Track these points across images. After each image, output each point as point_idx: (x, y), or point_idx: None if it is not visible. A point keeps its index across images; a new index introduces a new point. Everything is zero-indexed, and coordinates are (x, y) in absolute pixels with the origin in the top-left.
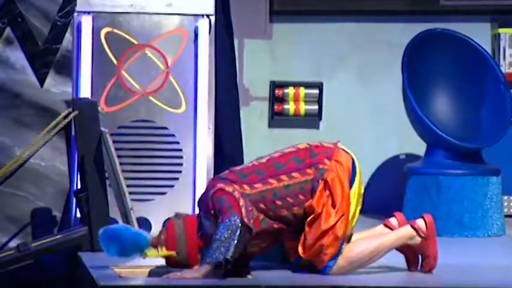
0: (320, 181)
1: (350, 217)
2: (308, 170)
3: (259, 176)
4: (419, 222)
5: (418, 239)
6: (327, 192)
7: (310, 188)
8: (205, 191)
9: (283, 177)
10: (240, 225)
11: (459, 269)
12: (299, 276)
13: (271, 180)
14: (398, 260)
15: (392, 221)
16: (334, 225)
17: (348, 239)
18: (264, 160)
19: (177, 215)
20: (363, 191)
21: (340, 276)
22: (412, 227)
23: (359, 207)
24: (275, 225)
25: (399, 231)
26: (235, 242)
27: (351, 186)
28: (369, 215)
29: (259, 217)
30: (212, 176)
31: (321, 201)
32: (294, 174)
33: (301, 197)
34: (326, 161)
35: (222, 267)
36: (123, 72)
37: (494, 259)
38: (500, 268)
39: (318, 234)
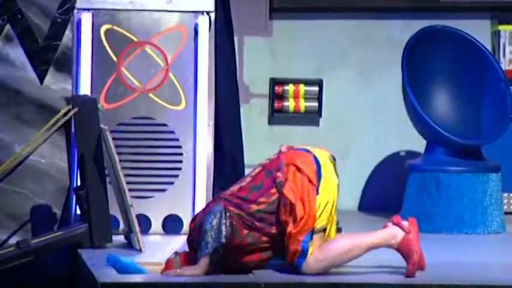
0: (281, 196)
1: (321, 211)
2: (272, 191)
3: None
4: (402, 221)
5: (399, 238)
6: (288, 204)
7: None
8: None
9: (253, 205)
10: (223, 210)
11: (459, 266)
12: (298, 274)
13: (244, 207)
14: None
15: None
16: (297, 230)
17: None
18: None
19: (175, 253)
20: (337, 181)
21: (339, 274)
22: (395, 224)
23: (333, 199)
24: (263, 238)
25: (381, 231)
26: (225, 224)
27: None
28: (368, 212)
29: (244, 231)
30: (212, 173)
31: (285, 214)
32: (261, 199)
33: (274, 217)
34: (279, 174)
35: (219, 253)
36: (123, 69)
37: (494, 256)
38: (500, 265)
39: (287, 241)
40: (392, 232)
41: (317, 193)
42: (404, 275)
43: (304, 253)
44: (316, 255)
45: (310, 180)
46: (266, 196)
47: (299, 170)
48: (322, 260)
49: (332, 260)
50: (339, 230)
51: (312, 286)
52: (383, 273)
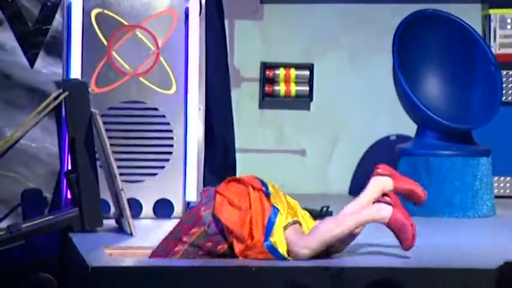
0: (211, 224)
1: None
2: (193, 230)
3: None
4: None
5: (386, 214)
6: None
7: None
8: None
9: (186, 238)
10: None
11: (449, 250)
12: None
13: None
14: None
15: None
16: (245, 247)
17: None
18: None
19: None
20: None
21: (331, 258)
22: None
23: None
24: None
25: (367, 208)
26: None
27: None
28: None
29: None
30: (203, 158)
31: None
32: (192, 231)
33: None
34: (203, 208)
35: None
36: (114, 53)
37: (484, 240)
38: (490, 248)
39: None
40: (379, 208)
41: (268, 195)
42: (401, 247)
43: (274, 250)
44: (304, 240)
45: (253, 188)
46: (198, 226)
47: (226, 189)
48: (312, 242)
49: (322, 238)
50: (329, 214)
51: (303, 270)
52: (375, 256)
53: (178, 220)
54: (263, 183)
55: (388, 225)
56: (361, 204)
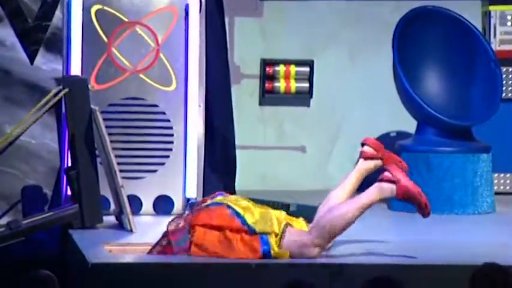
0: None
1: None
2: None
3: None
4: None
5: (389, 193)
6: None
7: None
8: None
9: None
10: None
11: (449, 246)
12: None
13: None
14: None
15: (367, 149)
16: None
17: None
18: None
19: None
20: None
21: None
22: (381, 180)
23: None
24: None
25: (371, 189)
26: None
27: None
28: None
29: None
30: (203, 154)
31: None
32: None
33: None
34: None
35: None
36: (114, 50)
37: (484, 236)
38: (490, 245)
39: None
40: (381, 187)
41: (252, 231)
42: (423, 217)
43: (267, 250)
44: (312, 236)
45: (231, 230)
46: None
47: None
48: (322, 236)
49: (331, 230)
50: None
51: (302, 267)
52: (374, 253)
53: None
54: (237, 215)
55: (398, 199)
56: (345, 190)
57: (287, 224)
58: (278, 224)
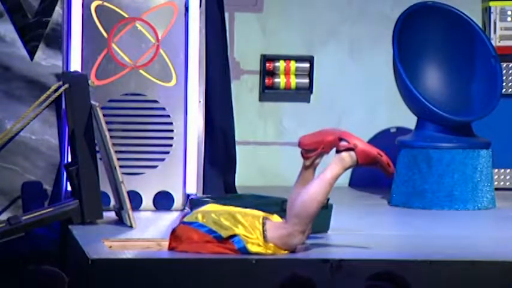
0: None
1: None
2: None
3: None
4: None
5: (350, 160)
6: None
7: None
8: None
9: None
10: None
11: (449, 242)
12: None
13: None
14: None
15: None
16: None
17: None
18: None
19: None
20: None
21: (329, 250)
22: (339, 151)
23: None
24: None
25: (332, 163)
26: None
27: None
28: (359, 188)
29: None
30: (203, 150)
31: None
32: None
33: None
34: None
35: None
36: (114, 46)
37: (484, 232)
38: (490, 240)
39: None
40: (340, 157)
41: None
42: (387, 177)
43: (242, 247)
44: (291, 224)
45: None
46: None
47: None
48: (298, 225)
49: (306, 213)
50: (329, 206)
51: (302, 262)
52: (374, 248)
53: (178, 212)
54: (200, 226)
55: (360, 166)
56: (325, 180)
57: (264, 218)
58: (253, 220)
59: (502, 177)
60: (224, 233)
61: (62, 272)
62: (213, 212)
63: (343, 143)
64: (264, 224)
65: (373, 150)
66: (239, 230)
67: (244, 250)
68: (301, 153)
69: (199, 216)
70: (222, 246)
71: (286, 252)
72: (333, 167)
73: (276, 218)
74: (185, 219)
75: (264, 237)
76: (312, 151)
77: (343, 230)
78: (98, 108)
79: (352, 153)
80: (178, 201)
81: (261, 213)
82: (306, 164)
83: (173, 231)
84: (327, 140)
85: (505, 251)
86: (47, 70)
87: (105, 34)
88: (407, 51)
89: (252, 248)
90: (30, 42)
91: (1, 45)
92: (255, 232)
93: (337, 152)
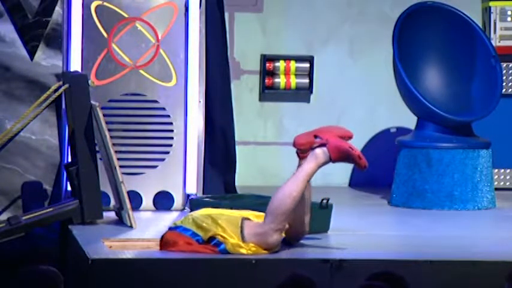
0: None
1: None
2: None
3: None
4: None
5: (323, 156)
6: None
7: None
8: None
9: None
10: None
11: (449, 242)
12: (290, 251)
13: None
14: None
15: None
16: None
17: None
18: None
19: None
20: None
21: (329, 250)
22: (311, 149)
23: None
24: None
25: (304, 163)
26: None
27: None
28: (359, 188)
29: None
30: (203, 150)
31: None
32: None
33: None
34: None
35: None
36: (114, 46)
37: (484, 232)
38: (490, 240)
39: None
40: (314, 154)
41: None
42: (361, 171)
43: (223, 248)
44: (265, 227)
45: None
46: None
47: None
48: (273, 223)
49: (282, 211)
50: (329, 206)
51: (302, 262)
52: (375, 248)
53: (178, 212)
54: (185, 230)
55: (334, 161)
56: (299, 179)
57: (243, 219)
58: (233, 221)
59: (502, 177)
60: (204, 236)
61: (58, 271)
62: (199, 215)
63: (317, 140)
64: (242, 224)
65: (345, 145)
66: (218, 231)
67: (224, 251)
68: (297, 152)
69: (185, 220)
70: (203, 249)
71: (266, 252)
72: (307, 164)
73: (261, 218)
74: (171, 225)
75: (242, 237)
76: (307, 150)
77: (343, 230)
78: (98, 108)
79: (325, 149)
80: (178, 201)
81: (248, 214)
82: (302, 163)
83: (161, 238)
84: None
85: (505, 251)
86: (47, 70)
87: (105, 34)
88: (407, 51)
89: (232, 248)
90: (30, 42)
91: (1, 45)
92: (234, 233)
93: (312, 149)
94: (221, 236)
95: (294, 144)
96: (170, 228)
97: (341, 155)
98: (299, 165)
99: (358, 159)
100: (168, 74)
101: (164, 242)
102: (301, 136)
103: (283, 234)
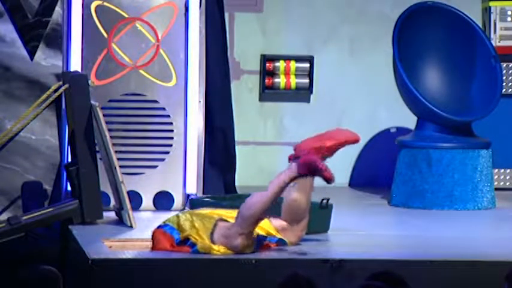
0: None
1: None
2: None
3: None
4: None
5: (292, 170)
6: None
7: None
8: None
9: None
10: None
11: (449, 242)
12: (290, 250)
13: None
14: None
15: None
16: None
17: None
18: None
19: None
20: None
21: (329, 250)
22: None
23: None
24: None
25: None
26: None
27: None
28: (359, 188)
29: None
30: (203, 150)
31: None
32: None
33: None
34: None
35: None
36: (114, 46)
37: (484, 232)
38: (490, 240)
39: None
40: (290, 166)
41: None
42: (327, 183)
43: (195, 249)
44: (235, 226)
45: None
46: None
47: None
48: (242, 224)
49: (250, 216)
50: (329, 206)
51: (303, 262)
52: (374, 248)
53: (177, 212)
54: (170, 229)
55: (302, 176)
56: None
57: (218, 220)
58: (208, 221)
59: (502, 177)
60: (181, 236)
61: (58, 271)
62: (184, 214)
63: (292, 153)
64: (215, 226)
65: (312, 159)
66: (192, 233)
67: (196, 252)
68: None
69: (171, 219)
70: (179, 249)
71: (231, 252)
72: (281, 175)
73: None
74: (161, 223)
75: (212, 238)
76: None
77: (343, 230)
78: (98, 108)
79: (295, 163)
80: (178, 201)
81: (228, 214)
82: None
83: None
84: (326, 146)
85: (505, 251)
86: (47, 70)
87: (105, 34)
88: (407, 51)
89: (202, 249)
90: (30, 42)
91: (1, 45)
92: (205, 234)
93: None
94: (194, 237)
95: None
96: (158, 226)
97: (308, 170)
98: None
99: (323, 172)
100: (168, 74)
101: (151, 239)
102: (304, 143)
103: (256, 234)
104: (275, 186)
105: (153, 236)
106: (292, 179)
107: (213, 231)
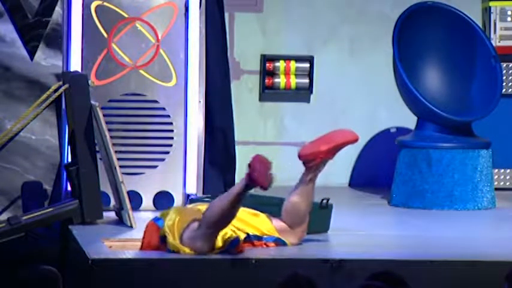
0: None
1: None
2: None
3: None
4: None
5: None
6: None
7: None
8: None
9: None
10: None
11: (449, 242)
12: (290, 250)
13: None
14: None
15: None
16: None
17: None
18: None
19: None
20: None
21: (329, 250)
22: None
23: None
24: None
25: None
26: None
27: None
28: (359, 188)
29: None
30: (203, 150)
31: None
32: None
33: None
34: None
35: None
36: (114, 46)
37: (484, 232)
38: (490, 240)
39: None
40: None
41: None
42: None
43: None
44: (194, 233)
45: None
46: None
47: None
48: (199, 230)
49: (209, 221)
50: (329, 206)
51: (303, 262)
52: (375, 248)
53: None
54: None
55: (252, 182)
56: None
57: (193, 219)
58: (182, 223)
59: (502, 177)
60: (161, 232)
61: (58, 271)
62: (175, 210)
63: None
64: (188, 225)
65: (251, 172)
66: (169, 229)
67: (169, 250)
68: (303, 163)
69: (164, 213)
70: (158, 247)
71: (193, 252)
72: (238, 184)
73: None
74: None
75: (181, 238)
76: (311, 161)
77: (343, 230)
78: (98, 108)
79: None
80: (178, 201)
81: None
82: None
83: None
84: (323, 150)
85: (505, 251)
86: (47, 70)
87: (105, 34)
88: (407, 51)
89: (173, 248)
90: (30, 42)
91: (1, 45)
92: (178, 233)
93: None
94: (169, 234)
95: (299, 157)
96: (153, 219)
97: (255, 180)
98: (304, 174)
99: (258, 175)
100: (168, 74)
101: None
102: (306, 147)
103: (222, 238)
104: (230, 194)
105: (145, 229)
106: (244, 189)
107: (184, 230)
